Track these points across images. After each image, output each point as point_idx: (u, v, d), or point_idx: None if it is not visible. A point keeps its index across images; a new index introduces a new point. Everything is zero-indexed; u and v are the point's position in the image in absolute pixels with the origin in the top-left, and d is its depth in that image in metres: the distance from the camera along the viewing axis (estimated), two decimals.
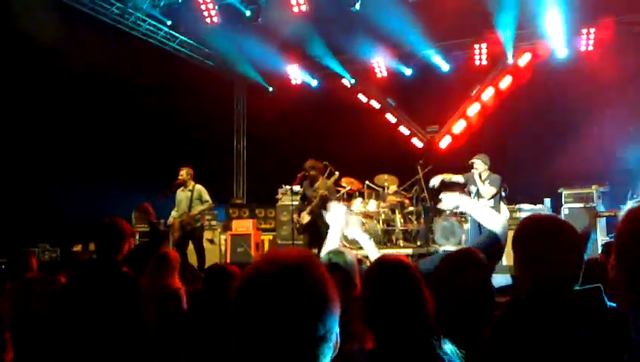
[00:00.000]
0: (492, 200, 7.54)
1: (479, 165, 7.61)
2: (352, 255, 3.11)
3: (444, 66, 12.22)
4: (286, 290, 1.10)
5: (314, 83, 13.26)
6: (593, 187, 9.05)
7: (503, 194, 8.01)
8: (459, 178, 7.88)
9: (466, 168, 7.82)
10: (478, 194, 7.58)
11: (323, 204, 7.93)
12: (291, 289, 1.10)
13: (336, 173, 8.39)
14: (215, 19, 10.55)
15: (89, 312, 3.20)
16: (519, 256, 1.87)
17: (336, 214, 3.26)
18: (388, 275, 2.00)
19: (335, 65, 12.70)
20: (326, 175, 8.33)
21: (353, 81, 12.96)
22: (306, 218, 7.98)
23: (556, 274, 1.76)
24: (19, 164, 9.18)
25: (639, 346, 1.22)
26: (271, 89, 13.52)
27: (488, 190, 7.55)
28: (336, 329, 1.16)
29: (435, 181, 7.95)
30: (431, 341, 1.89)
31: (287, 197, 10.19)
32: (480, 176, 7.57)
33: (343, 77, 12.89)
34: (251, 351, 1.10)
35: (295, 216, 8.35)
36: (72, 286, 3.43)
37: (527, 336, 1.72)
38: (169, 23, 11.14)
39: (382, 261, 2.12)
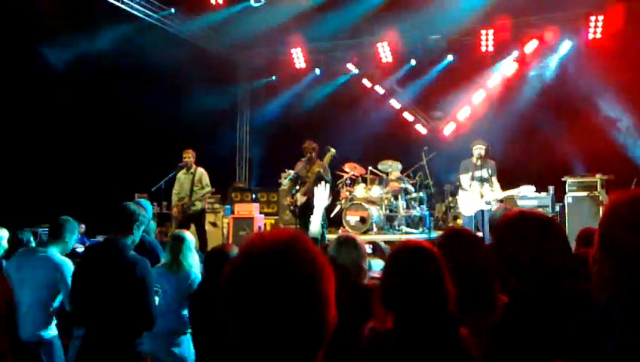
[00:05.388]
0: (489, 184, 7.65)
1: (480, 150, 7.67)
2: (360, 241, 3.15)
3: (450, 52, 12.11)
4: (275, 270, 1.09)
5: (318, 68, 13.16)
6: (597, 175, 9.01)
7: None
8: (464, 181, 7.93)
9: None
10: (478, 179, 7.67)
11: (318, 182, 7.90)
12: (280, 269, 1.09)
13: (333, 149, 8.28)
14: (220, 0, 10.46)
15: (98, 294, 3.23)
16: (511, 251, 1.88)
17: (320, 198, 3.28)
18: (410, 260, 2.06)
19: (339, 50, 12.62)
20: (329, 158, 8.26)
21: (358, 67, 12.86)
22: (301, 199, 7.96)
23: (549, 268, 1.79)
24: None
25: (624, 338, 1.20)
26: (274, 77, 13.43)
27: (497, 186, 7.69)
28: (330, 305, 1.14)
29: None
30: (450, 324, 1.95)
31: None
32: (478, 162, 7.63)
33: (348, 62, 12.79)
34: (247, 336, 1.10)
35: (289, 198, 8.31)
36: (82, 269, 3.45)
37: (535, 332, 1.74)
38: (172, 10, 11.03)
39: (404, 246, 2.17)
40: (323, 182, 3.36)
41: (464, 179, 7.95)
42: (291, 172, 9.62)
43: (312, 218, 3.22)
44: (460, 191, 8.10)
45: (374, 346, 1.98)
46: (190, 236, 4.55)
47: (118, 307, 3.18)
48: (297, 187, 8.21)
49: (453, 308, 1.98)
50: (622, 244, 1.27)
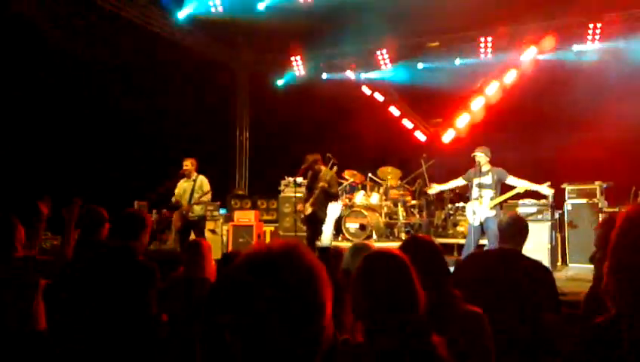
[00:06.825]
0: (492, 191, 7.57)
1: (481, 158, 7.61)
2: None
3: (449, 59, 12.14)
4: (273, 282, 1.09)
5: (317, 75, 13.18)
6: (597, 183, 9.00)
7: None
8: (457, 182, 7.98)
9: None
10: (480, 186, 7.60)
11: (323, 195, 7.94)
12: (278, 281, 1.09)
13: (335, 166, 8.39)
14: (219, 8, 10.50)
15: (101, 299, 3.22)
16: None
17: (333, 210, 3.31)
18: (377, 268, 2.01)
19: (339, 57, 12.66)
20: (329, 165, 8.31)
21: (357, 74, 12.90)
22: (308, 209, 7.98)
23: None
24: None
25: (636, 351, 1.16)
26: (274, 84, 13.47)
27: (516, 182, 7.64)
28: (328, 319, 1.14)
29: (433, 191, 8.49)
30: (422, 332, 1.89)
31: (290, 188, 10.17)
32: (480, 169, 7.57)
33: (347, 69, 12.83)
34: (239, 345, 1.10)
35: (300, 205, 8.35)
36: (87, 273, 3.44)
37: None
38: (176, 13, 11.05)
39: (372, 254, 2.11)
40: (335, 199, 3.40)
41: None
42: (291, 179, 9.66)
43: (324, 228, 3.23)
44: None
45: (348, 359, 1.90)
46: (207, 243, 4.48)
47: (134, 312, 3.18)
48: (304, 196, 8.29)
49: (423, 314, 1.92)
50: (626, 264, 1.24)
